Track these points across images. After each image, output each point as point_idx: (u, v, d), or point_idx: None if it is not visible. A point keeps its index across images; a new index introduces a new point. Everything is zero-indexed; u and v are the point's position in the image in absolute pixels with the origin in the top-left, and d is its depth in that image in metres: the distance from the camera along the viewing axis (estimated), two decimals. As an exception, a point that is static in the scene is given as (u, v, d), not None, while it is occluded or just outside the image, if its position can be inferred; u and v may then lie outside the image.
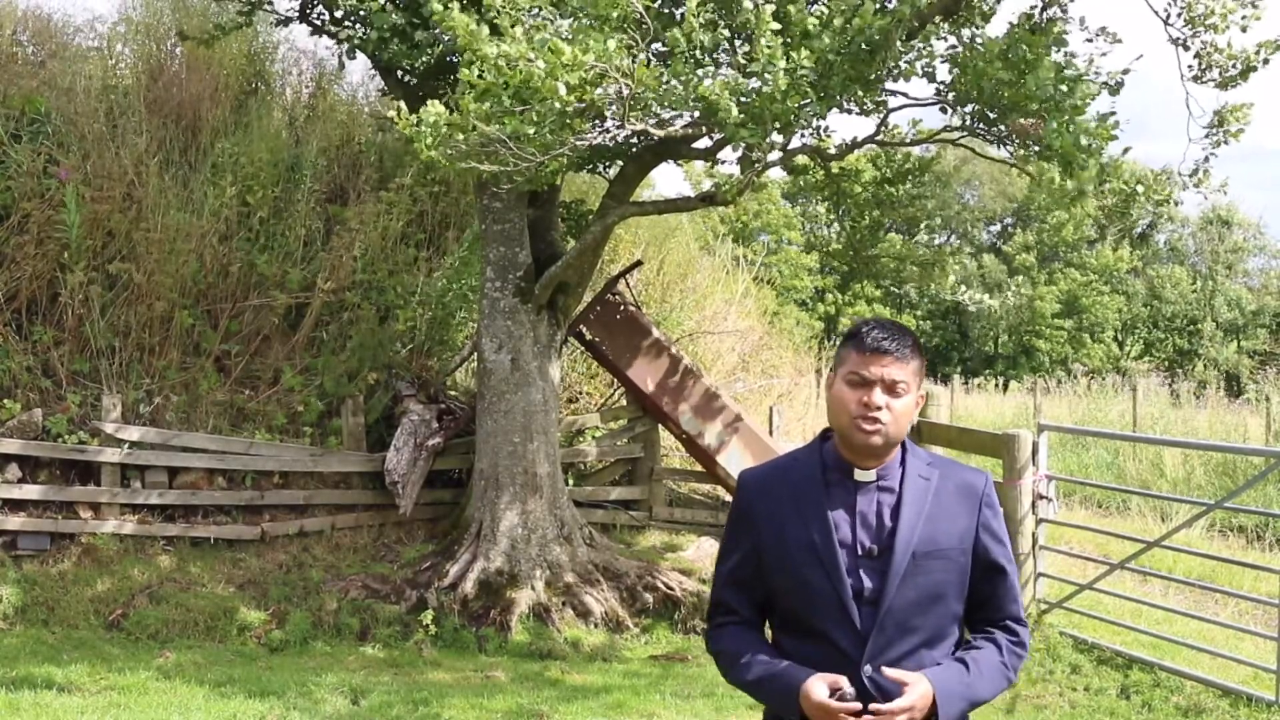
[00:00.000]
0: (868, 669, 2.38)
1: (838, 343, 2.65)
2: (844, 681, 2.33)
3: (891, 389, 2.42)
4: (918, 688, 2.33)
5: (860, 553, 2.43)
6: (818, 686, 2.33)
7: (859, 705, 2.31)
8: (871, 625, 2.39)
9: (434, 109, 5.54)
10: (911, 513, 2.44)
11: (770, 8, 5.37)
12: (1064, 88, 6.18)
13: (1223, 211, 39.48)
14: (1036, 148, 6.46)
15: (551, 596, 8.08)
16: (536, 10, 5.62)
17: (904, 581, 2.40)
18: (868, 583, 2.41)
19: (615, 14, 5.45)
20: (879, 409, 2.41)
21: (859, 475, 2.47)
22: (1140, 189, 7.10)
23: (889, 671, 2.34)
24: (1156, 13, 7.24)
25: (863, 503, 2.46)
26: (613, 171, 8.85)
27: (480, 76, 5.34)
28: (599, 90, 5.58)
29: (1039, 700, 6.57)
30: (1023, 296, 37.71)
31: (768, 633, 2.62)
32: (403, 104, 5.77)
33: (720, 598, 2.60)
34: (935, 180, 8.82)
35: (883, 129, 7.42)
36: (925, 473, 2.49)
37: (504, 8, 5.48)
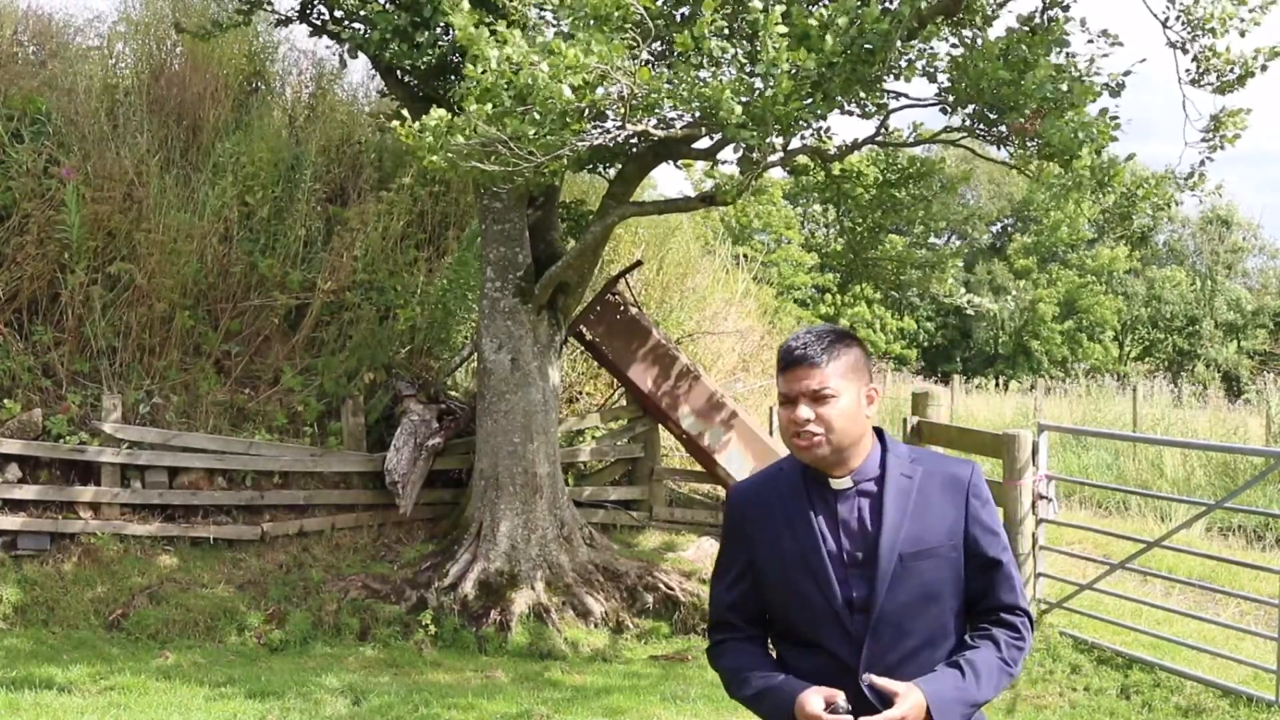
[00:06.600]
0: (866, 677, 2.34)
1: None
2: (840, 696, 2.29)
3: (817, 398, 2.37)
4: (909, 698, 2.28)
5: (847, 560, 2.39)
6: (812, 699, 2.29)
7: (851, 719, 2.27)
8: (865, 633, 2.36)
9: (436, 114, 5.53)
10: (894, 515, 2.39)
11: (780, 8, 5.36)
12: (1063, 86, 6.19)
13: (1222, 212, 39.49)
14: (1035, 145, 6.46)
15: (551, 597, 8.08)
16: (538, 9, 5.62)
17: (893, 585, 2.36)
18: (856, 591, 2.37)
19: (616, 13, 5.45)
20: (807, 422, 2.36)
21: (834, 483, 2.44)
22: (1140, 192, 7.11)
23: (878, 681, 2.30)
24: (1155, 15, 7.25)
25: (843, 510, 2.42)
26: (613, 172, 8.85)
27: (484, 75, 5.34)
28: (600, 90, 5.58)
29: (1039, 700, 6.57)
30: (1025, 299, 37.72)
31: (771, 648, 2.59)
32: (406, 113, 5.77)
33: (720, 616, 2.56)
34: (942, 188, 8.73)
35: (883, 130, 7.42)
36: (908, 470, 2.43)
37: (510, 4, 5.48)
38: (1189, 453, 13.97)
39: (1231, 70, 7.08)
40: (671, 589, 8.32)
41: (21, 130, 9.09)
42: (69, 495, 8.13)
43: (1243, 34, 7.05)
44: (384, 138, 10.70)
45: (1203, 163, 7.26)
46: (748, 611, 2.52)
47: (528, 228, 8.45)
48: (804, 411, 2.37)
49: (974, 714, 2.39)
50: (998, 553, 2.45)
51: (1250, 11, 6.98)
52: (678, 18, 6.94)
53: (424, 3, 7.12)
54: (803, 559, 2.40)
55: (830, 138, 7.92)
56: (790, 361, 2.38)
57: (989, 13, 7.32)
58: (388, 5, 7.53)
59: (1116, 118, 6.42)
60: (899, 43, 5.97)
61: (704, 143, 7.62)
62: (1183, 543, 8.45)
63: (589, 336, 9.44)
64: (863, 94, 6.37)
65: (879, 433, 2.50)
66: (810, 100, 5.81)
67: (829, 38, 5.60)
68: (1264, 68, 6.99)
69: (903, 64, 6.38)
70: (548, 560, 8.26)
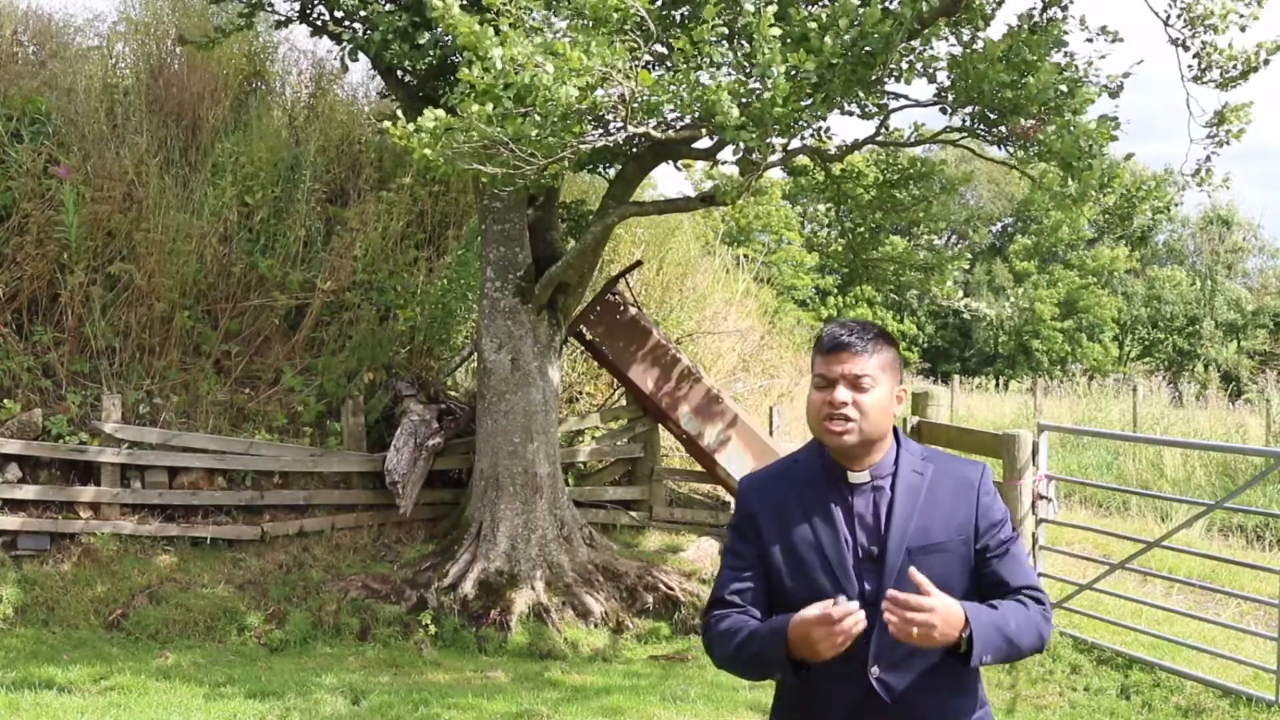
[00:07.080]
0: (875, 670, 2.35)
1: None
2: (841, 600, 2.24)
3: (856, 384, 2.40)
4: (943, 599, 2.25)
5: (861, 554, 2.41)
6: (811, 608, 2.25)
7: (857, 604, 2.22)
8: (874, 626, 2.36)
9: (432, 114, 5.52)
10: (904, 509, 2.42)
11: (772, 9, 5.35)
12: (1064, 89, 6.18)
13: (1223, 211, 39.49)
14: (1036, 149, 6.46)
15: (551, 597, 8.08)
16: (536, 13, 5.61)
17: (900, 579, 2.37)
18: (868, 584, 2.39)
19: (616, 15, 5.44)
20: (844, 405, 2.39)
21: (853, 477, 2.46)
22: (1140, 194, 7.11)
23: (915, 574, 2.26)
24: (1156, 13, 7.25)
25: (859, 504, 2.44)
26: (613, 172, 8.85)
27: (480, 77, 5.33)
28: (600, 93, 5.57)
29: (1039, 700, 6.57)
30: (1024, 302, 37.71)
31: None
32: (400, 114, 5.76)
33: (720, 596, 2.54)
34: (942, 189, 8.70)
35: (883, 130, 7.41)
36: (919, 468, 2.47)
37: (505, 6, 5.47)
38: (1189, 453, 13.98)
39: (1234, 66, 7.07)
40: (671, 589, 8.32)
41: (21, 130, 9.09)
42: (69, 495, 8.13)
43: (1243, 29, 7.04)
44: (384, 138, 10.69)
45: (1208, 158, 7.24)
46: (750, 600, 2.51)
47: (528, 227, 8.45)
48: (842, 394, 2.39)
49: (1009, 651, 2.35)
50: (1007, 543, 2.48)
51: (1247, 6, 6.97)
52: (676, 18, 6.94)
53: (426, 3, 7.11)
54: (820, 550, 2.41)
55: (830, 138, 7.92)
56: (835, 345, 2.42)
57: (988, 13, 7.31)
58: (389, 6, 7.52)
59: (1115, 119, 6.42)
60: (899, 44, 5.97)
61: (704, 143, 7.62)
62: (1183, 543, 8.46)
63: (589, 336, 9.44)
64: (862, 95, 6.36)
65: (894, 432, 2.53)
66: (810, 102, 5.80)
67: (829, 39, 5.59)
68: (1266, 62, 6.98)
69: (903, 66, 6.37)
70: (548, 560, 8.26)
